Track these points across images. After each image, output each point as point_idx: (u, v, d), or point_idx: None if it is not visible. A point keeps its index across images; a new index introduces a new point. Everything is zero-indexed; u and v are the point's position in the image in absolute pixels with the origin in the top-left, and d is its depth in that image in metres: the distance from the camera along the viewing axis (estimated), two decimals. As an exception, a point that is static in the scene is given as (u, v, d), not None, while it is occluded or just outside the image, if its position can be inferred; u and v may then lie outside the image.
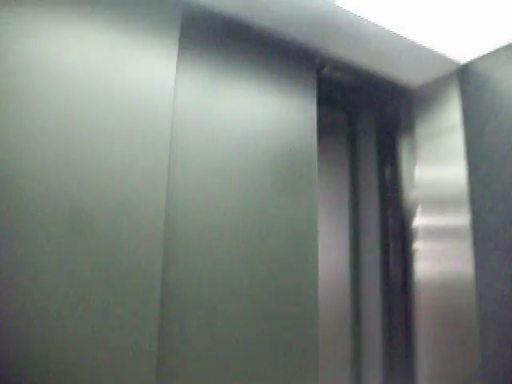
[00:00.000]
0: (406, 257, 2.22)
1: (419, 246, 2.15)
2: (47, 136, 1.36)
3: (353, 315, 2.27)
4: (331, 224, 2.42)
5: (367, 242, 2.32)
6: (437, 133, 2.15)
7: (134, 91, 1.52)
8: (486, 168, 1.90)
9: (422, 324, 2.08)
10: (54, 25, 1.44)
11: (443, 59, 2.02)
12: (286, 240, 1.76)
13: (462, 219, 1.96)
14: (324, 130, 1.97)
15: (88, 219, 1.37)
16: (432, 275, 2.06)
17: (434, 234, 2.09)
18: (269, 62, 1.89)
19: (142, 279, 1.41)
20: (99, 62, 1.48)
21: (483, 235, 1.87)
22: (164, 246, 1.48)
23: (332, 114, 2.12)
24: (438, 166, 2.13)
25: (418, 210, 2.18)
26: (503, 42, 1.90)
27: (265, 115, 1.83)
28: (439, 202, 2.09)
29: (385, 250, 2.27)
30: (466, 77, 2.06)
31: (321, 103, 1.98)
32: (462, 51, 1.98)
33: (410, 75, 2.17)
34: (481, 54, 1.99)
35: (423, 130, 2.22)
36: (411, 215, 2.22)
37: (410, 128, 2.29)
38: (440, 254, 2.04)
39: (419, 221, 2.18)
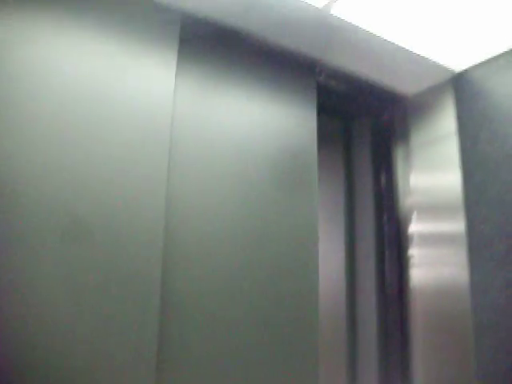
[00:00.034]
0: (401, 263, 2.22)
1: (414, 252, 2.16)
2: (47, 143, 1.36)
3: (348, 321, 2.26)
4: (327, 230, 2.42)
5: (363, 249, 2.32)
6: (432, 140, 2.16)
7: (134, 100, 1.53)
8: (480, 176, 1.92)
9: (418, 330, 2.08)
10: (53, 33, 1.45)
11: (438, 67, 2.04)
12: (286, 246, 1.77)
13: (457, 226, 1.98)
14: (320, 137, 1.98)
15: (87, 226, 1.37)
16: (427, 281, 2.06)
17: (429, 240, 2.10)
18: (267, 71, 1.90)
19: (141, 286, 1.41)
20: (99, 70, 1.49)
21: (478, 243, 1.88)
22: (163, 253, 1.48)
23: (328, 122, 2.13)
24: (433, 173, 2.14)
25: (414, 217, 2.19)
26: (497, 51, 1.92)
27: (264, 123, 1.84)
28: (434, 209, 2.10)
29: (380, 257, 2.27)
30: (460, 85, 2.08)
31: (317, 111, 2.00)
32: (457, 60, 2.00)
33: (405, 83, 2.18)
34: (475, 63, 2.01)
35: (418, 137, 2.23)
36: (407, 222, 2.23)
37: (405, 136, 2.30)
38: (435, 261, 2.05)
39: (414, 227, 2.19)
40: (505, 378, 1.71)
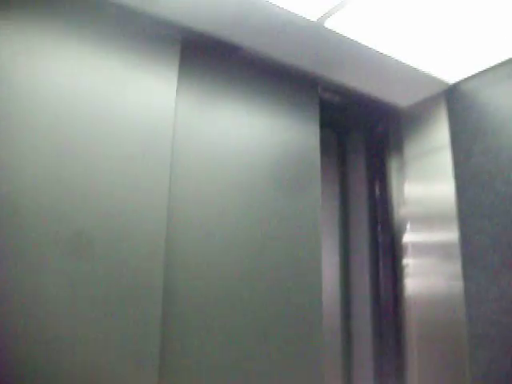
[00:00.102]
0: (395, 273, 2.23)
1: (409, 262, 2.17)
2: (48, 157, 1.36)
3: (343, 330, 2.27)
4: (322, 240, 2.43)
5: (357, 259, 2.33)
6: (426, 152, 2.17)
7: (135, 114, 1.54)
8: (474, 187, 1.93)
9: (412, 340, 2.09)
10: (54, 46, 1.45)
11: (432, 80, 2.05)
12: (288, 257, 1.79)
13: (451, 237, 1.99)
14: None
15: (89, 239, 1.37)
16: (422, 291, 2.07)
17: (423, 250, 2.11)
18: (266, 84, 1.93)
19: (142, 298, 1.42)
20: (100, 85, 1.50)
21: (472, 254, 1.89)
22: (165, 265, 1.49)
23: (322, 134, 2.14)
24: (426, 184, 2.15)
25: (408, 228, 2.20)
26: (490, 63, 1.94)
27: (265, 135, 1.86)
28: (428, 220, 2.11)
29: (375, 267, 2.28)
30: (453, 97, 2.09)
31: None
32: (450, 72, 2.01)
33: (399, 95, 2.20)
34: (468, 75, 2.03)
35: (412, 149, 2.24)
36: (401, 232, 2.24)
37: (399, 147, 2.31)
38: (429, 271, 2.06)
39: (409, 238, 2.20)
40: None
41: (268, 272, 1.72)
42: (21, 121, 1.34)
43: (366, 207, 2.34)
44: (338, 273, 2.34)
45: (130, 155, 1.50)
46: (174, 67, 1.66)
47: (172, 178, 1.58)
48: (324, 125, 2.07)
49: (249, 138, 1.82)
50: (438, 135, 2.13)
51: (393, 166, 2.35)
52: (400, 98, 2.22)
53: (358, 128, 2.45)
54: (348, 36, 1.76)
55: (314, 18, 1.67)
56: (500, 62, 1.91)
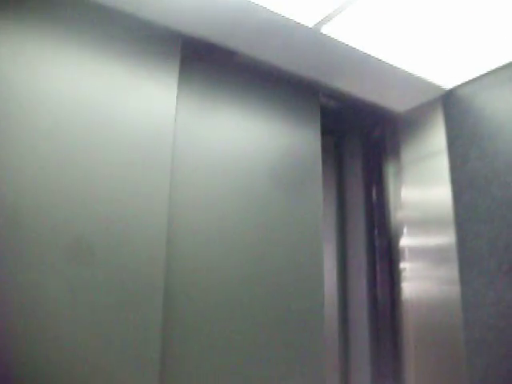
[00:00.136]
0: (392, 277, 2.23)
1: (406, 266, 2.17)
2: (48, 163, 1.36)
3: (340, 335, 2.27)
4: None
5: (354, 263, 2.33)
6: (422, 157, 2.18)
7: (135, 120, 1.54)
8: (471, 192, 1.94)
9: (410, 344, 2.09)
10: (54, 52, 1.45)
11: (428, 85, 2.06)
12: (289, 262, 1.79)
13: (447, 241, 1.99)
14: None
15: (89, 245, 1.37)
16: (419, 296, 2.07)
17: (420, 254, 2.12)
18: (265, 90, 1.94)
19: (143, 303, 1.41)
20: (100, 91, 1.50)
21: (469, 258, 1.90)
22: (165, 271, 1.49)
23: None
24: (423, 188, 2.16)
25: (405, 232, 2.21)
26: (486, 68, 1.95)
27: (265, 141, 1.87)
28: (425, 224, 2.12)
29: (372, 271, 2.28)
30: (450, 102, 2.10)
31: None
32: (447, 77, 2.02)
33: (395, 100, 2.21)
34: (465, 80, 2.04)
35: (409, 153, 2.25)
36: (398, 236, 2.25)
37: (396, 152, 2.32)
38: (426, 275, 2.06)
39: (405, 242, 2.20)
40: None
41: (269, 277, 1.73)
42: (20, 127, 1.34)
43: (363, 211, 2.34)
44: (334, 277, 2.34)
45: (130, 161, 1.50)
46: (174, 73, 1.66)
47: (172, 183, 1.58)
48: (321, 129, 2.08)
49: (249, 143, 1.82)
50: (435, 140, 2.14)
51: (390, 170, 2.36)
52: (397, 103, 2.23)
53: (354, 133, 2.46)
54: (345, 42, 1.77)
55: (310, 24, 1.67)
56: (496, 67, 1.92)
